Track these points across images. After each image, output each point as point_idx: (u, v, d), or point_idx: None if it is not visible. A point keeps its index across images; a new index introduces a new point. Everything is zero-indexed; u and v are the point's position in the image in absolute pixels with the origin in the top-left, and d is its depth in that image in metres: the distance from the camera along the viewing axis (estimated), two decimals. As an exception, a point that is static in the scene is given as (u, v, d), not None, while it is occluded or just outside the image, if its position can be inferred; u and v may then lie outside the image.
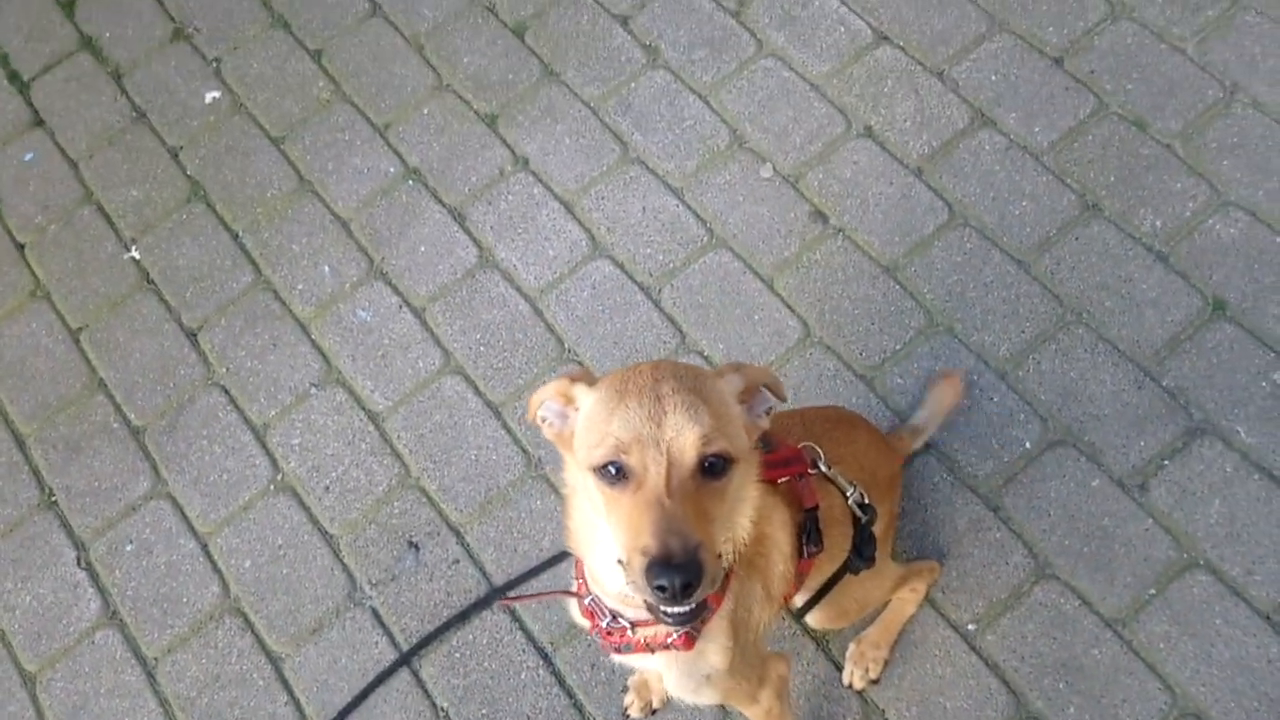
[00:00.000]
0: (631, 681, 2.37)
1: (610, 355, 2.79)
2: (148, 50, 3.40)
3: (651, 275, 2.89)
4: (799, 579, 1.84)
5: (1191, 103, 2.91)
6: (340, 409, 2.80)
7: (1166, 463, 2.50)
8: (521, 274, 2.93)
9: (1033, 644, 2.35)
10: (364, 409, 2.80)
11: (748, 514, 1.56)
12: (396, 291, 2.94)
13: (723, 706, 2.33)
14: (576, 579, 1.72)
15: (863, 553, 1.90)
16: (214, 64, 3.36)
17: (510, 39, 3.28)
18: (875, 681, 2.33)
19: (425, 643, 2.50)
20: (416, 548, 2.62)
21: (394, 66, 3.28)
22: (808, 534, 1.77)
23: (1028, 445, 2.56)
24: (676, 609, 1.40)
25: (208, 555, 2.66)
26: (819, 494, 1.80)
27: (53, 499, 2.78)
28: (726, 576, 1.60)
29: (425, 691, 2.46)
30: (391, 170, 3.12)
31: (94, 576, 2.67)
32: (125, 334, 2.97)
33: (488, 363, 2.82)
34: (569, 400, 1.52)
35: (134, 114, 3.31)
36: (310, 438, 2.77)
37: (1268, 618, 2.31)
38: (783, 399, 1.58)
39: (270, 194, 3.13)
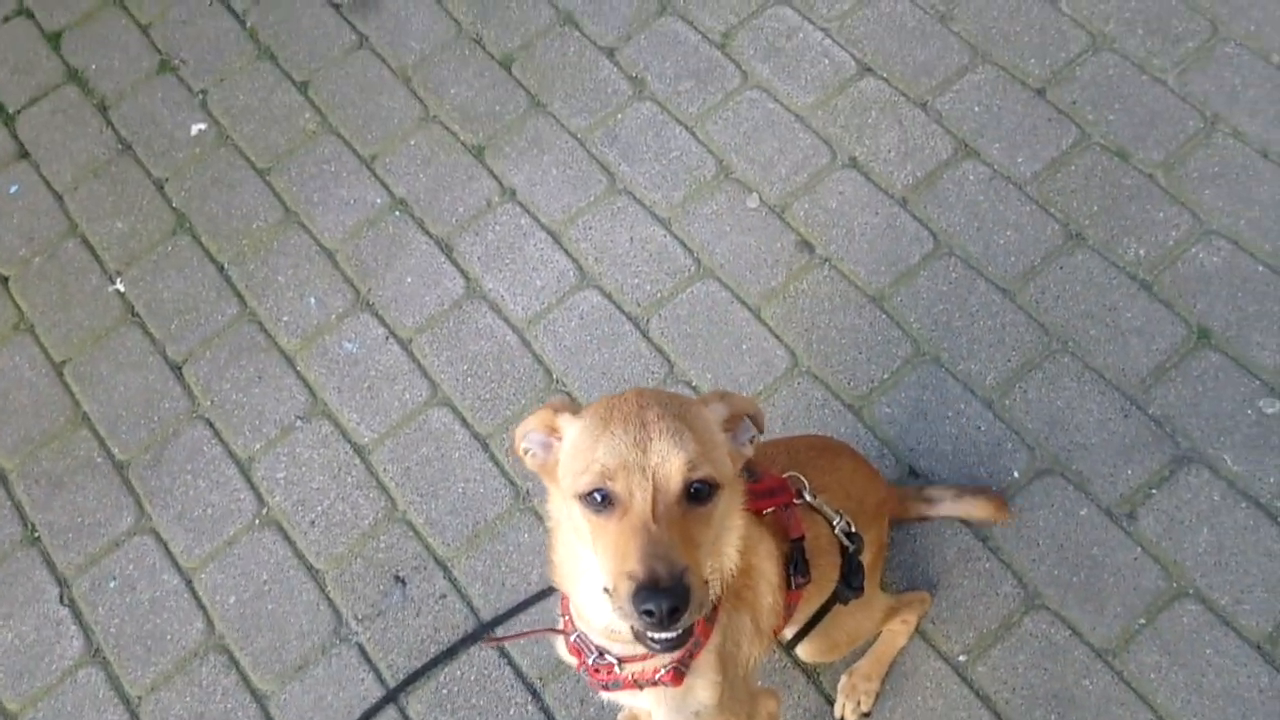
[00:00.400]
0: (620, 718, 2.35)
1: (598, 385, 2.78)
2: (134, 82, 3.40)
3: (639, 305, 2.89)
4: (788, 611, 1.82)
5: (1173, 133, 2.94)
6: (326, 442, 2.78)
7: (1154, 491, 2.50)
8: (509, 304, 2.93)
9: (1024, 675, 2.35)
10: (350, 442, 2.78)
11: (734, 542, 1.56)
12: (383, 323, 2.93)
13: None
14: (562, 615, 1.71)
15: (851, 582, 1.89)
16: (200, 96, 3.36)
17: (497, 71, 3.29)
18: (867, 715, 2.32)
19: (412, 679, 2.47)
20: (403, 582, 2.60)
21: (381, 98, 3.28)
22: (795, 565, 1.76)
23: (1015, 474, 2.56)
24: (663, 635, 1.39)
25: (192, 591, 2.63)
26: (805, 524, 1.79)
27: (35, 535, 2.75)
28: (714, 608, 1.59)
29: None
30: (378, 201, 3.12)
31: (76, 613, 2.63)
32: (109, 367, 2.95)
33: (475, 394, 2.81)
34: (553, 430, 1.52)
35: (119, 146, 3.30)
36: (295, 471, 2.75)
37: (1258, 647, 2.31)
38: (762, 430, 1.58)
39: (256, 225, 3.12)
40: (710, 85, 3.19)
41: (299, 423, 2.82)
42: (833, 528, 1.85)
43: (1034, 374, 2.68)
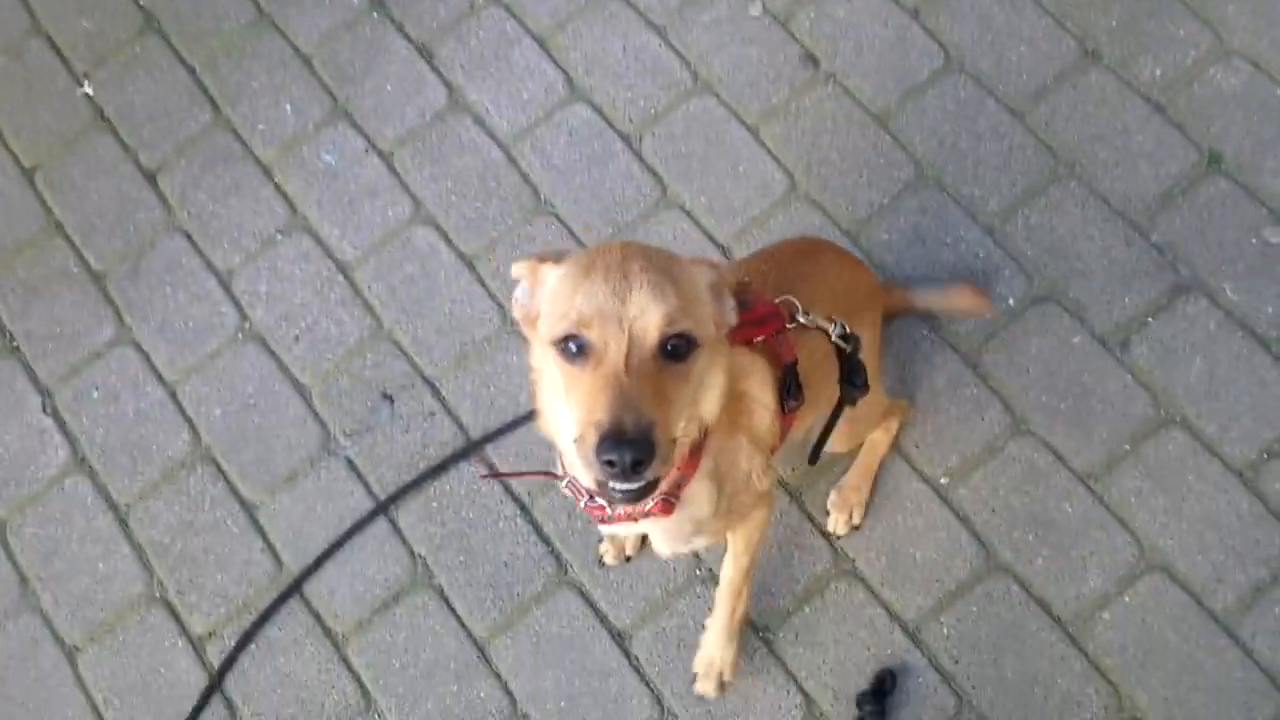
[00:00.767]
0: (606, 530, 2.38)
1: (588, 207, 2.69)
2: None
3: (631, 121, 2.76)
4: (783, 432, 1.81)
5: (1204, -57, 2.76)
6: (307, 257, 2.71)
7: (1150, 320, 2.47)
8: (494, 118, 2.80)
9: (1004, 498, 2.37)
10: (332, 258, 2.71)
11: (715, 399, 1.53)
12: (362, 134, 2.81)
13: (697, 554, 2.36)
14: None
15: (855, 382, 1.86)
16: (161, -118, 3.10)
17: None
18: (857, 527, 2.36)
19: (402, 492, 2.49)
20: (391, 400, 2.59)
21: (357, -112, 3.04)
22: (788, 388, 1.74)
23: (1011, 302, 2.51)
24: (625, 486, 1.36)
25: (176, 403, 2.62)
26: (797, 346, 1.76)
27: (14, 344, 2.70)
28: (704, 438, 1.57)
29: (403, 539, 2.47)
30: (355, 2, 2.93)
31: (60, 423, 2.62)
32: (81, 174, 2.84)
33: (460, 213, 2.72)
34: (537, 280, 1.47)
35: (77, -63, 3.07)
36: (277, 286, 2.69)
37: (1240, 474, 2.33)
38: (743, 308, 1.54)
39: (228, 26, 2.94)
40: (713, -120, 2.96)
41: (279, 236, 2.74)
42: (829, 336, 1.79)
43: (1038, 199, 2.59)
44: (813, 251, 2.16)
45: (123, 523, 2.53)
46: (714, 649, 2.21)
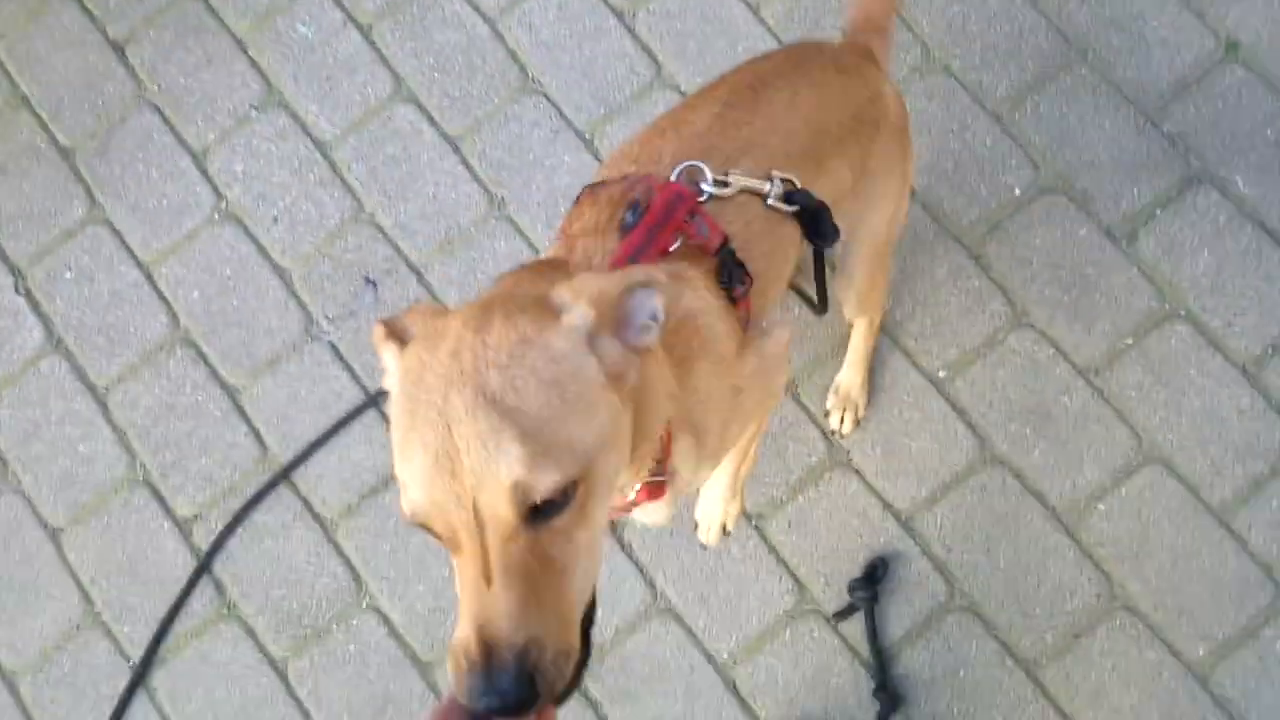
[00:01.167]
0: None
1: (578, 86, 2.58)
2: None
3: (626, -5, 2.63)
4: (745, 320, 1.50)
5: None
6: (284, 134, 2.59)
7: (1158, 212, 2.41)
8: (482, -11, 2.66)
9: (1003, 391, 2.34)
10: (310, 136, 2.59)
11: (651, 428, 1.20)
12: (339, 5, 2.66)
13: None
14: None
15: (824, 234, 1.55)
16: None
17: None
18: (858, 422, 2.32)
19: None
20: (374, 285, 2.51)
21: None
22: (728, 275, 1.42)
23: (1017, 192, 2.44)
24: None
25: (153, 284, 2.53)
26: (727, 216, 1.44)
27: (-19, 223, 2.60)
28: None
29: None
30: None
31: (34, 303, 2.53)
32: (46, 46, 2.69)
33: (443, 90, 2.60)
34: (387, 364, 1.14)
35: None
36: (254, 164, 2.58)
37: (1243, 369, 2.30)
38: (670, 304, 1.13)
39: (196, -114, 2.77)
40: None
41: (254, 113, 2.61)
42: (765, 199, 1.46)
43: (1049, 86, 2.50)
44: (771, 77, 1.61)
45: (102, 405, 2.47)
46: (716, 503, 2.15)
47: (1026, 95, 2.50)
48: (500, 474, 0.95)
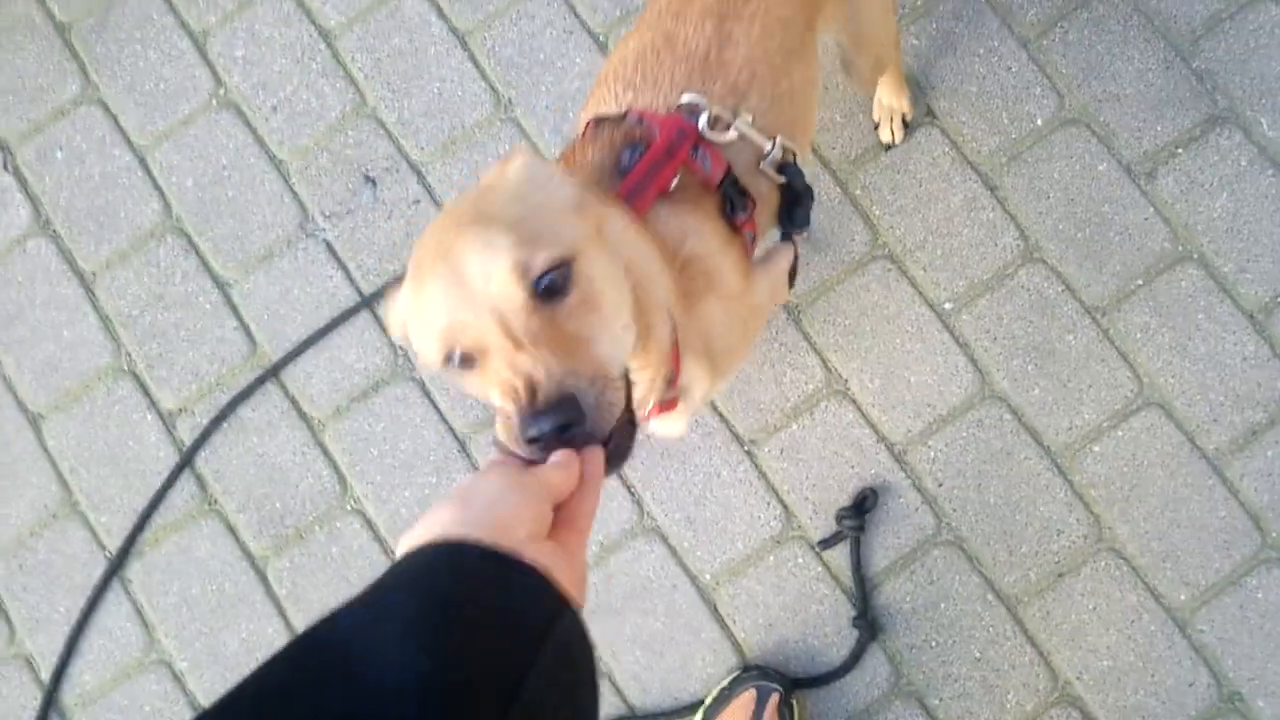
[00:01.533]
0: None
1: (594, -14, 2.48)
2: None
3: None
4: (753, 243, 1.55)
5: None
6: (287, 20, 2.50)
7: (1180, 151, 2.34)
8: (498, -122, 2.54)
9: (1008, 326, 2.30)
10: (314, 23, 2.50)
11: (650, 290, 1.26)
12: (353, -114, 2.55)
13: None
14: None
15: (797, 220, 1.60)
16: None
17: None
18: (907, 126, 2.35)
19: (388, 285, 2.38)
20: (374, 182, 2.44)
21: None
22: (730, 204, 1.46)
23: (1039, 122, 2.37)
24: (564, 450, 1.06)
25: (146, 169, 2.46)
26: (723, 152, 1.47)
27: (-30, 97, 2.52)
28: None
29: (383, 329, 2.38)
30: None
31: (22, 181, 2.47)
32: (40, -86, 2.59)
33: (456, -18, 2.51)
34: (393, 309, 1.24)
35: None
36: (255, 50, 2.50)
37: (1251, 316, 2.26)
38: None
39: None
40: None
41: (257, -5, 2.52)
42: (763, 157, 1.50)
43: (1079, 13, 2.40)
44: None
45: (89, 291, 2.43)
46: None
47: (1056, 21, 2.41)
48: (500, 262, 1.06)
